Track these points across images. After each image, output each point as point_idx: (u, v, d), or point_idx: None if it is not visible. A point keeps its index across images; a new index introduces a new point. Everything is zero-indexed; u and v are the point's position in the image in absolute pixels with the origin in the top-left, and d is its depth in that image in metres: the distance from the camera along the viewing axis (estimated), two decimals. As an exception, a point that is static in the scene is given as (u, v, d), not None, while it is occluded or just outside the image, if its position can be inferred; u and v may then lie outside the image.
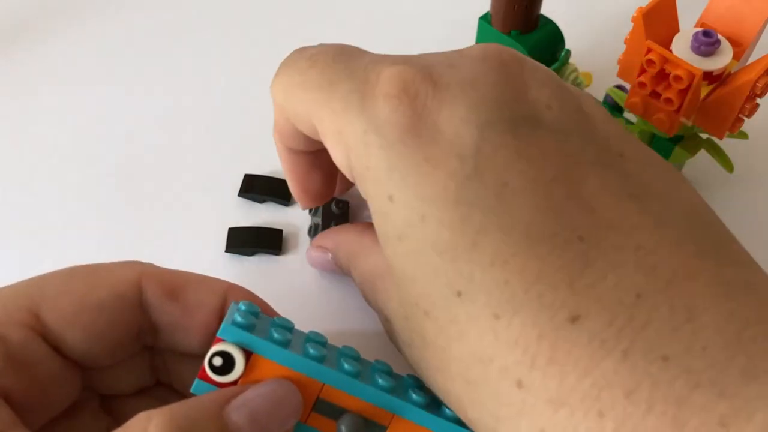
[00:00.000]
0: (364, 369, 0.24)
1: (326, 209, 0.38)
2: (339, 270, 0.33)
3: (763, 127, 0.41)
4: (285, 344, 0.23)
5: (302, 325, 0.28)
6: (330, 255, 0.33)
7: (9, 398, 0.22)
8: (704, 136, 0.38)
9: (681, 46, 0.33)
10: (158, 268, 0.27)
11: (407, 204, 0.22)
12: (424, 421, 0.23)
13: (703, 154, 0.38)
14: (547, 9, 0.40)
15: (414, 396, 0.24)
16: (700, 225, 0.22)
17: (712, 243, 0.22)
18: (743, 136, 0.37)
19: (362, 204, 0.40)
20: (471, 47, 0.26)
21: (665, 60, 0.32)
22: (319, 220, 0.38)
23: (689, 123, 0.35)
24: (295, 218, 0.40)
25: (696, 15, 0.36)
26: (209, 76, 0.47)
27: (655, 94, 0.33)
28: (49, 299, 0.24)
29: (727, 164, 0.38)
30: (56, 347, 0.24)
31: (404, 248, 0.22)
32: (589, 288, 0.19)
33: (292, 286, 0.37)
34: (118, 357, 0.26)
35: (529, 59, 0.26)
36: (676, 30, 0.34)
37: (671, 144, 0.38)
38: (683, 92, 0.32)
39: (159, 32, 0.50)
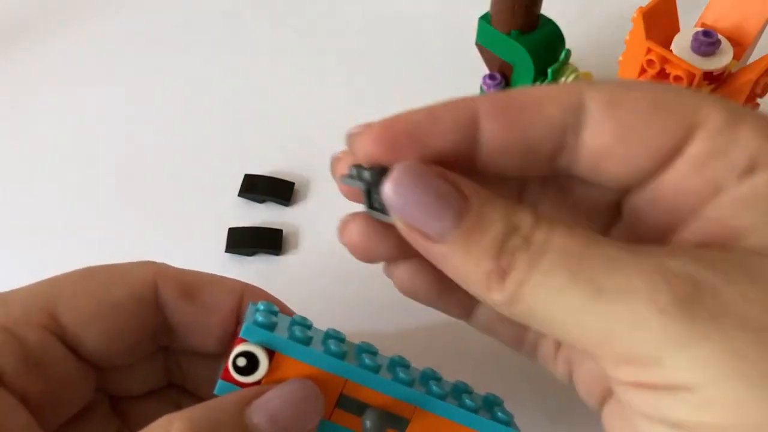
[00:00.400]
0: (383, 364, 0.25)
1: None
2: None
3: (764, 127, 0.41)
4: (307, 342, 0.23)
5: (302, 325, 0.28)
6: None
7: (25, 399, 0.22)
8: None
9: (681, 46, 0.33)
10: (174, 268, 0.27)
11: None
12: (446, 412, 0.24)
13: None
14: (547, 9, 0.40)
15: (435, 388, 0.24)
16: None
17: None
18: (743, 136, 0.37)
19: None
20: None
21: (665, 60, 0.32)
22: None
23: (689, 123, 0.35)
24: (295, 218, 0.40)
25: (696, 15, 0.36)
26: (209, 76, 0.47)
27: (656, 94, 0.33)
28: (66, 300, 0.24)
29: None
30: (73, 348, 0.24)
31: None
32: None
33: (292, 286, 0.37)
34: (133, 357, 0.26)
35: None
36: (676, 30, 0.34)
37: (671, 144, 0.38)
38: (683, 92, 0.32)
39: (159, 33, 0.50)
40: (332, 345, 0.23)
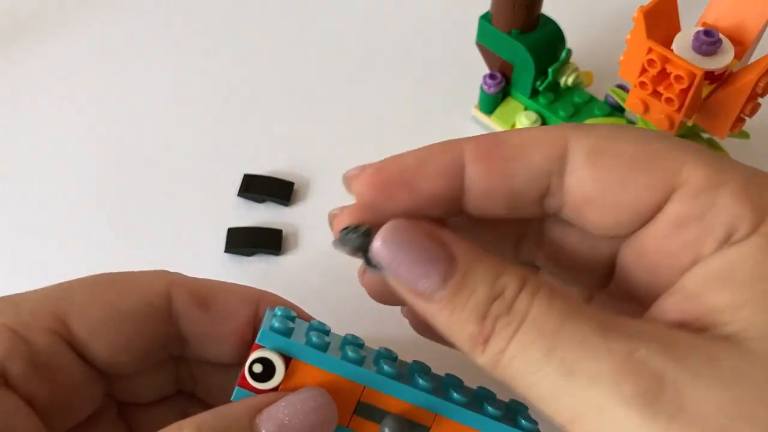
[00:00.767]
0: (403, 370, 0.24)
1: None
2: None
3: (765, 126, 0.41)
4: (324, 348, 0.23)
5: (301, 325, 0.28)
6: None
7: (33, 403, 0.22)
8: (705, 135, 0.37)
9: (682, 46, 0.33)
10: (187, 277, 0.27)
11: None
12: (467, 420, 0.23)
13: (704, 154, 0.38)
14: (547, 8, 0.40)
15: (455, 395, 0.23)
16: None
17: None
18: (745, 135, 0.37)
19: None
20: None
21: (666, 59, 0.32)
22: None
23: (690, 123, 0.35)
24: (294, 218, 0.40)
25: (697, 14, 0.35)
26: (209, 76, 0.47)
27: (657, 94, 0.33)
28: (76, 306, 0.24)
29: (728, 164, 0.38)
30: (82, 354, 0.24)
31: None
32: None
33: (292, 286, 0.37)
34: (143, 366, 0.26)
35: None
36: (678, 29, 0.34)
37: (672, 144, 0.38)
38: (684, 92, 0.32)
39: (159, 33, 0.50)
40: (350, 351, 0.23)
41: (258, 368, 0.22)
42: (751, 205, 0.18)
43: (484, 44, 0.41)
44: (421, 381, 0.23)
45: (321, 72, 0.47)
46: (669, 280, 0.19)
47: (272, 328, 0.22)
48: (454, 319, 0.19)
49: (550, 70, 0.40)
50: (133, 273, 0.26)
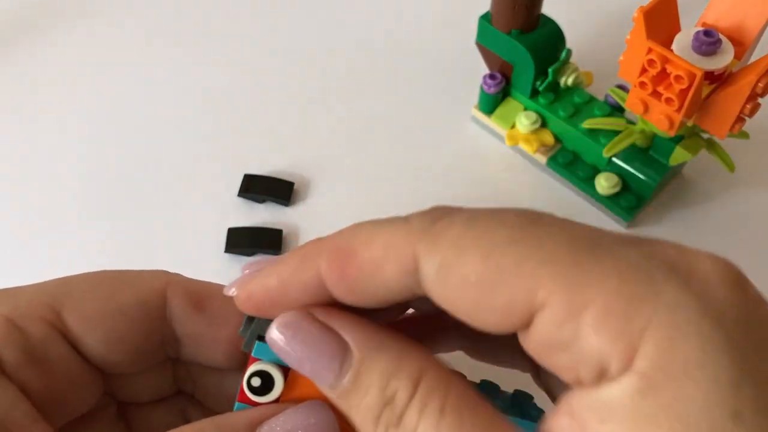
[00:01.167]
0: None
1: None
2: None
3: (765, 126, 0.41)
4: None
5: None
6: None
7: (27, 393, 0.22)
8: (705, 135, 0.38)
9: (682, 46, 0.33)
10: (186, 278, 0.27)
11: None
12: None
13: (704, 154, 0.38)
14: (547, 8, 0.40)
15: None
16: None
17: None
18: (744, 135, 0.37)
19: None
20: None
21: (666, 60, 0.32)
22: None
23: (690, 123, 0.35)
24: (295, 218, 0.40)
25: (697, 14, 0.35)
26: (210, 77, 0.47)
27: (656, 94, 0.33)
28: (72, 299, 0.24)
29: (728, 164, 0.38)
30: (76, 347, 0.24)
31: None
32: None
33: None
34: (139, 365, 0.26)
35: None
36: (677, 29, 0.34)
37: (672, 144, 0.37)
38: (684, 92, 0.32)
39: (159, 34, 0.50)
40: None
41: (256, 382, 0.22)
42: (616, 336, 0.16)
43: (484, 44, 0.41)
44: None
45: (321, 72, 0.47)
46: (559, 394, 0.18)
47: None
48: (352, 414, 0.19)
49: (550, 70, 0.40)
50: (132, 271, 0.26)
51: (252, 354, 0.22)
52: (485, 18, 0.40)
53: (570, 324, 0.16)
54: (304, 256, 0.21)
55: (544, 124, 0.42)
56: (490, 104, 0.43)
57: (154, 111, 0.45)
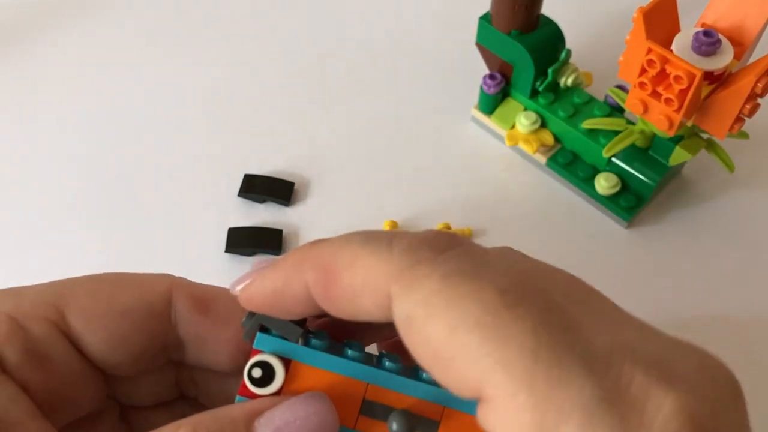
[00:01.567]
0: (405, 367, 0.24)
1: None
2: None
3: (764, 126, 0.41)
4: (324, 348, 0.22)
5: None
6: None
7: (28, 391, 0.23)
8: (705, 136, 0.38)
9: (682, 46, 0.33)
10: (190, 281, 0.26)
11: None
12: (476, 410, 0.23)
13: (703, 154, 0.38)
14: (547, 9, 0.40)
15: None
16: None
17: None
18: (744, 136, 0.37)
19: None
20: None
21: (666, 60, 0.32)
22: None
23: (690, 123, 0.35)
24: (295, 218, 0.40)
25: (697, 15, 0.36)
26: (210, 77, 0.47)
27: (656, 94, 0.33)
28: (76, 300, 0.24)
29: (728, 164, 0.38)
30: (78, 348, 0.24)
31: None
32: None
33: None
34: (141, 367, 0.26)
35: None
36: (677, 30, 0.34)
37: (672, 144, 0.38)
38: (684, 92, 0.32)
39: (160, 34, 0.50)
40: (349, 350, 0.23)
41: (257, 373, 0.22)
42: None
43: (484, 45, 0.41)
44: (425, 375, 0.23)
45: (321, 72, 0.47)
46: None
47: (269, 332, 0.22)
48: None
49: (549, 70, 0.41)
50: (136, 273, 0.26)
51: (253, 345, 0.22)
52: (485, 18, 0.40)
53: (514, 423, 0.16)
54: (295, 265, 0.21)
55: (543, 125, 0.42)
56: (490, 104, 0.43)
57: (154, 111, 0.45)
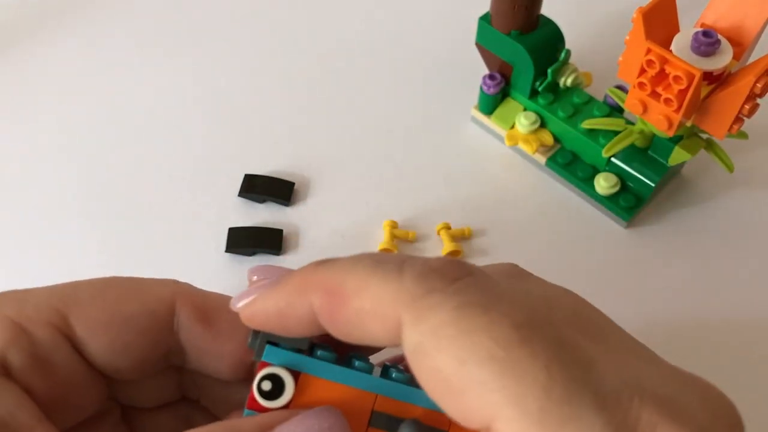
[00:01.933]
0: (412, 377, 0.24)
1: None
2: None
3: (764, 127, 0.41)
4: (332, 360, 0.22)
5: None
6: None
7: (32, 395, 0.23)
8: (704, 136, 0.38)
9: (681, 46, 0.33)
10: (195, 289, 0.26)
11: None
12: None
13: (703, 154, 0.38)
14: (547, 9, 0.40)
15: None
16: None
17: None
18: (743, 136, 0.37)
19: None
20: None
21: (665, 60, 0.32)
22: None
23: (689, 123, 0.35)
24: (295, 218, 0.40)
25: (696, 15, 0.36)
26: (210, 77, 0.47)
27: (655, 95, 0.33)
28: (80, 305, 0.24)
29: (727, 164, 0.38)
30: (81, 353, 0.24)
31: None
32: None
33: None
34: (143, 373, 0.26)
35: None
36: (676, 30, 0.34)
37: (671, 144, 0.38)
38: (683, 92, 0.32)
39: (160, 34, 0.50)
40: (356, 361, 0.23)
41: (267, 386, 0.22)
42: None
43: (483, 45, 0.41)
44: None
45: (322, 72, 0.47)
46: None
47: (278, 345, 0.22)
48: None
49: (549, 70, 0.41)
50: (141, 279, 0.26)
51: (262, 358, 0.22)
52: (485, 19, 0.40)
53: None
54: (299, 287, 0.21)
55: (543, 125, 0.42)
56: (490, 105, 0.43)
57: (154, 111, 0.45)
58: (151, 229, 0.40)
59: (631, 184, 0.40)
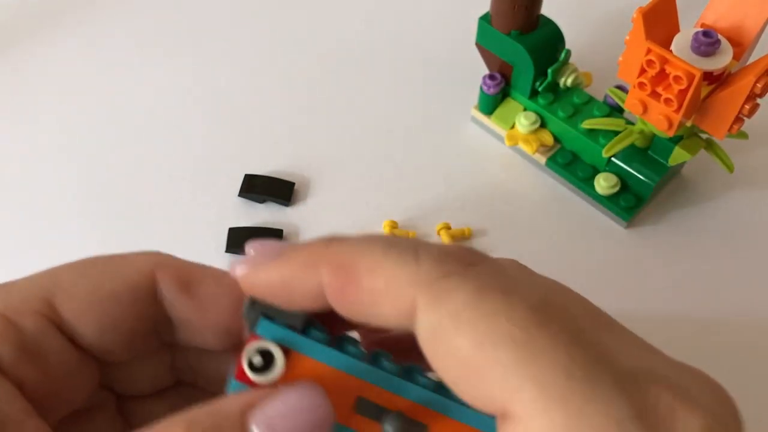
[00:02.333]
0: (402, 368, 0.23)
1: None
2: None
3: (764, 127, 0.41)
4: (326, 341, 0.22)
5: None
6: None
7: (23, 389, 0.22)
8: (704, 136, 0.38)
9: (681, 47, 0.33)
10: (176, 259, 0.26)
11: None
12: (468, 419, 0.22)
13: (703, 154, 0.38)
14: (547, 9, 0.40)
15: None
16: None
17: None
18: (743, 136, 0.37)
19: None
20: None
21: (665, 60, 0.32)
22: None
23: (689, 123, 0.35)
24: (295, 218, 0.40)
25: (696, 15, 0.36)
26: (210, 77, 0.47)
27: (655, 95, 0.33)
28: (63, 289, 0.24)
29: (727, 164, 0.38)
30: (71, 337, 0.24)
31: None
32: None
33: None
34: (134, 351, 0.25)
35: None
36: (676, 30, 0.34)
37: (671, 144, 0.38)
38: (683, 92, 0.32)
39: (159, 34, 0.50)
40: (350, 346, 0.22)
41: (257, 360, 0.21)
42: None
43: (483, 45, 0.41)
44: (422, 378, 0.23)
45: (322, 72, 0.47)
46: None
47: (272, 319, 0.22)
48: None
49: (549, 70, 0.41)
50: (121, 254, 0.25)
51: (256, 331, 0.21)
52: (485, 19, 0.40)
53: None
54: (309, 260, 0.20)
55: (543, 125, 0.42)
56: (490, 105, 0.43)
57: (154, 111, 0.45)
58: (151, 229, 0.40)
59: (631, 184, 0.40)
